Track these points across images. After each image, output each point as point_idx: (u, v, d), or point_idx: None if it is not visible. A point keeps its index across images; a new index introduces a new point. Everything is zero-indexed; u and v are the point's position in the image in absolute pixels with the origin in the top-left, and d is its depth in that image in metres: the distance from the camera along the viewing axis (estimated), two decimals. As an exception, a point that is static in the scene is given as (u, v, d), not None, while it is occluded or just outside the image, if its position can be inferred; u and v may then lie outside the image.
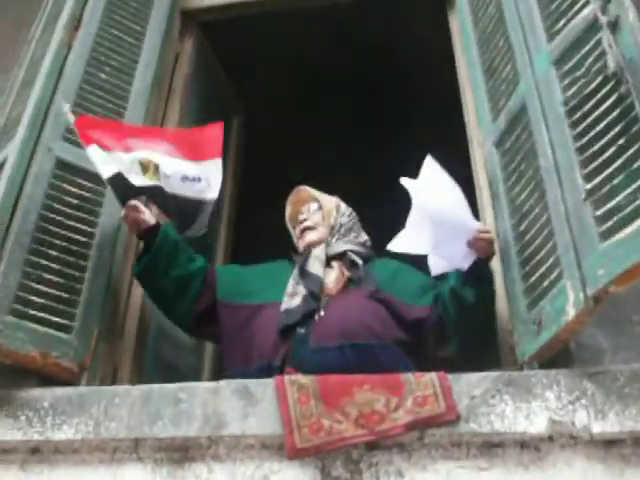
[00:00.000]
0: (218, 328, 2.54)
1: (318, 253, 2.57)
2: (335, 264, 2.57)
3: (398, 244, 2.31)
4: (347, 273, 2.53)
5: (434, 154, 2.34)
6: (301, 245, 2.70)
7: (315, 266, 2.52)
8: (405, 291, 2.47)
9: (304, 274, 2.50)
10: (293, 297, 2.43)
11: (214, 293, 2.57)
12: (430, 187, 2.21)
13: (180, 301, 2.55)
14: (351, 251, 2.60)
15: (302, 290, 2.44)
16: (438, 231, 2.21)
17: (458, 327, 2.34)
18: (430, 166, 2.24)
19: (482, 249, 2.27)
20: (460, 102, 3.03)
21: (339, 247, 2.62)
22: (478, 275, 2.29)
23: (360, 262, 2.55)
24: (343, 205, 2.79)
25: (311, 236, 2.66)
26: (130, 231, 2.65)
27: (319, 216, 2.71)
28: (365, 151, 5.57)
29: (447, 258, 2.29)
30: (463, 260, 2.27)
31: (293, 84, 4.98)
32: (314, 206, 2.75)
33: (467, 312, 2.29)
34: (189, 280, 2.56)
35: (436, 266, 2.30)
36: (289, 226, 2.84)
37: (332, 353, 2.26)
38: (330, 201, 2.78)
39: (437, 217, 2.22)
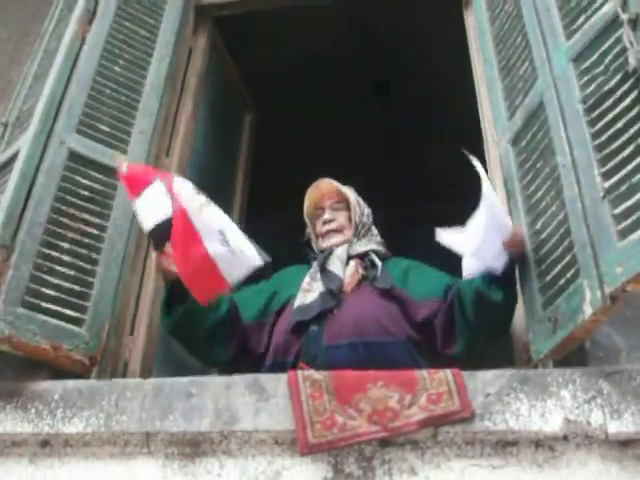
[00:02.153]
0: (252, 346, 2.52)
1: (340, 253, 2.55)
2: (352, 262, 2.53)
3: (445, 236, 2.21)
4: (362, 271, 2.51)
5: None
6: (324, 245, 2.65)
7: (336, 266, 2.50)
8: (416, 288, 2.45)
9: (324, 272, 2.48)
10: (307, 293, 2.43)
11: (242, 327, 2.52)
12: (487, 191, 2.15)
13: (213, 348, 2.50)
14: (373, 251, 2.58)
15: (319, 287, 2.43)
16: (488, 233, 2.15)
17: (474, 326, 2.28)
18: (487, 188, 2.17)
19: (517, 248, 2.22)
20: (475, 100, 3.00)
21: (361, 247, 2.59)
22: (506, 276, 2.23)
23: (380, 264, 2.52)
24: (361, 201, 2.74)
25: (337, 239, 2.62)
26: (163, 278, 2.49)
27: (344, 218, 2.66)
28: (376, 149, 5.58)
29: (482, 258, 2.22)
30: (495, 259, 2.20)
31: (305, 80, 4.97)
32: (339, 205, 2.69)
33: (490, 312, 2.24)
34: (219, 327, 2.49)
35: (469, 267, 2.24)
36: (307, 219, 2.77)
37: (344, 350, 2.26)
38: (354, 199, 2.71)
39: (490, 219, 2.15)
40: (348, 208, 2.69)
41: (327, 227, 2.65)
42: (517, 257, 2.24)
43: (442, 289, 2.41)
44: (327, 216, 2.67)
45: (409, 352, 2.31)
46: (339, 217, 2.66)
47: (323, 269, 2.49)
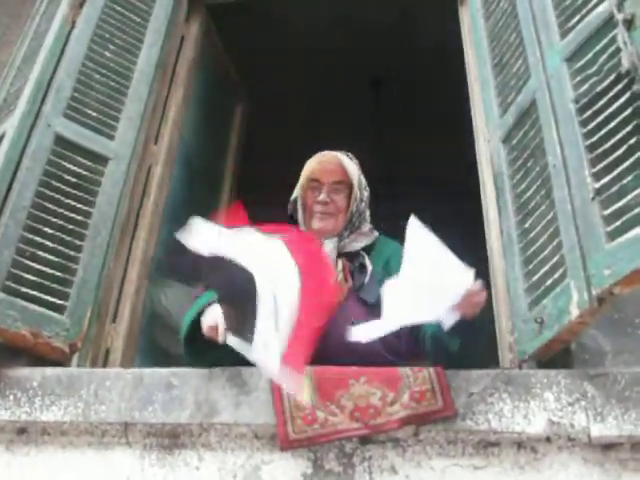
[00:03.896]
0: None
1: (329, 251, 2.40)
2: (340, 264, 2.39)
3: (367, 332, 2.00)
4: (350, 283, 2.36)
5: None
6: (314, 226, 2.48)
7: None
8: None
9: None
10: None
11: None
12: (416, 251, 1.97)
13: None
14: (363, 249, 2.46)
15: None
16: (422, 292, 1.95)
17: (434, 355, 2.16)
18: (414, 229, 1.98)
19: (470, 312, 2.01)
20: (467, 97, 2.98)
21: (352, 246, 2.47)
22: (464, 326, 2.01)
23: (370, 269, 2.38)
24: (363, 180, 2.57)
25: (327, 224, 2.47)
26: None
27: (343, 202, 2.49)
28: (367, 143, 5.55)
29: (431, 311, 1.99)
30: (448, 316, 1.98)
31: (300, 71, 4.94)
32: (339, 186, 2.49)
33: (447, 355, 2.10)
34: None
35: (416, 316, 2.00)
36: (299, 188, 2.55)
37: None
38: (357, 179, 2.52)
39: (421, 278, 1.96)
40: (348, 188, 2.51)
41: (322, 208, 2.47)
42: (470, 317, 2.02)
43: None
44: (323, 197, 2.48)
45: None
46: (337, 199, 2.48)
47: None
